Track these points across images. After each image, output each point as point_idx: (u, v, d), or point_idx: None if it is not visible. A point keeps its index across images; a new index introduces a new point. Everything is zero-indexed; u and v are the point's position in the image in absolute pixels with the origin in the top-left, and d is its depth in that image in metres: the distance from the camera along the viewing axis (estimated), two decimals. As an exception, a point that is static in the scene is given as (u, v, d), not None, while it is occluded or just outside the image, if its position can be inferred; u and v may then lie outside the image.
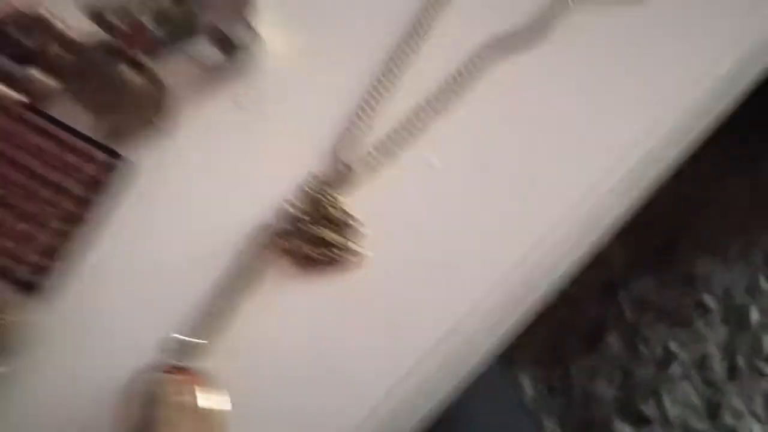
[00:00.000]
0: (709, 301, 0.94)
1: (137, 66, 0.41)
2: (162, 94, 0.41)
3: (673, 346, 0.94)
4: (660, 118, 0.35)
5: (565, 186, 0.35)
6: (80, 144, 0.40)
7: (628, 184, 0.35)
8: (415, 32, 0.40)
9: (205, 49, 0.41)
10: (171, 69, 0.42)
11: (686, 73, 0.35)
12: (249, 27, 0.40)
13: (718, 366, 0.92)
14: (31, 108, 0.40)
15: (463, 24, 0.38)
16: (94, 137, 0.40)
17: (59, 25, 0.40)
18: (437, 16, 0.40)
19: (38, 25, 0.41)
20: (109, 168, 0.39)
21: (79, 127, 0.40)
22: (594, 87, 0.36)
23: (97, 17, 0.41)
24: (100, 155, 0.40)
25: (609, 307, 0.95)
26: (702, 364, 0.92)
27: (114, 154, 0.40)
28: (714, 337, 0.93)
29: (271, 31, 0.40)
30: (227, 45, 0.40)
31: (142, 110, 0.41)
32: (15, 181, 0.39)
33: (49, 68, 0.41)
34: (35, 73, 0.41)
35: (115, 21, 0.41)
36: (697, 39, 0.36)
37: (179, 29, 0.41)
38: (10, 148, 0.40)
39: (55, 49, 0.41)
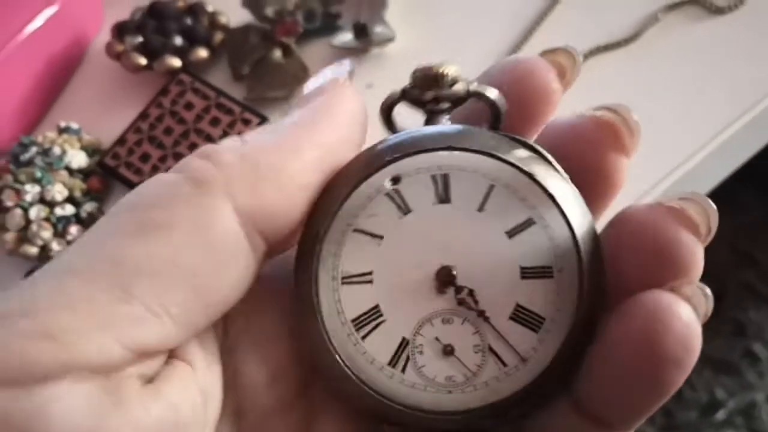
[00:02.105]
0: (760, 350, 0.94)
1: (286, 50, 0.51)
2: (303, 73, 0.50)
3: (720, 392, 0.94)
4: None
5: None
6: (236, 107, 0.49)
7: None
8: (524, 36, 0.48)
9: (343, 38, 0.50)
10: (313, 53, 0.51)
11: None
12: (383, 21, 0.49)
13: (765, 416, 0.92)
14: (198, 78, 0.50)
15: (567, 34, 0.47)
16: (243, 102, 0.49)
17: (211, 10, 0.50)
18: (546, 19, 0.48)
19: (198, 11, 0.52)
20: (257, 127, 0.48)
21: (234, 95, 0.49)
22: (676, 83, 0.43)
23: (257, 13, 0.51)
24: (253, 117, 0.48)
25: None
26: (749, 412, 0.92)
27: (262, 117, 0.49)
28: (763, 386, 0.93)
29: (400, 25, 0.49)
30: (363, 36, 0.49)
31: (286, 85, 0.50)
32: (180, 133, 0.48)
33: (208, 45, 0.51)
34: (200, 49, 0.51)
35: (272, 16, 0.51)
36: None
37: (324, 24, 0.51)
38: (181, 108, 0.49)
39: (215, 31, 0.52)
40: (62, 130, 0.49)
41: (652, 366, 0.17)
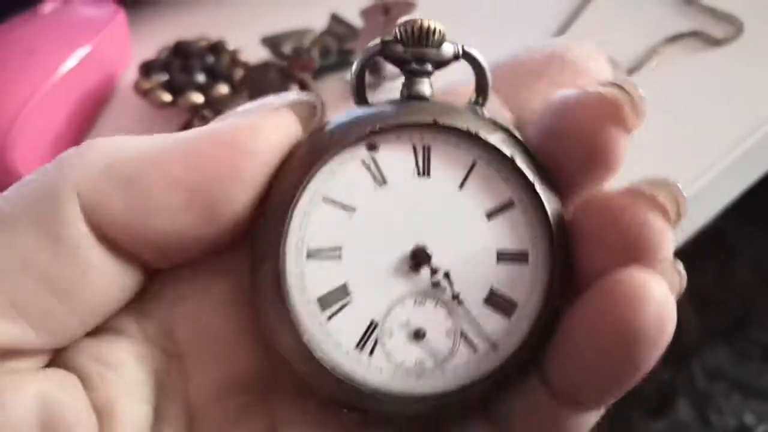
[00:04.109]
0: (789, 375, 0.92)
1: (303, 85, 0.53)
2: (320, 107, 0.52)
3: (749, 418, 0.92)
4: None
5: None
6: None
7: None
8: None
9: (357, 74, 0.52)
10: (328, 87, 0.53)
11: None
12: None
13: (798, 445, 0.90)
14: (220, 113, 0.53)
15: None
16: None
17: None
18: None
19: (220, 49, 0.55)
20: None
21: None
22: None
23: (275, 50, 0.54)
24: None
25: (680, 374, 0.94)
26: (780, 440, 0.90)
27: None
28: (794, 413, 0.91)
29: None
30: (376, 71, 0.51)
31: (303, 119, 0.52)
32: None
33: (230, 82, 0.54)
34: (221, 86, 0.54)
35: (289, 53, 0.54)
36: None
37: (338, 59, 0.53)
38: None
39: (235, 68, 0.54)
40: (92, 164, 0.52)
41: (625, 346, 0.16)
